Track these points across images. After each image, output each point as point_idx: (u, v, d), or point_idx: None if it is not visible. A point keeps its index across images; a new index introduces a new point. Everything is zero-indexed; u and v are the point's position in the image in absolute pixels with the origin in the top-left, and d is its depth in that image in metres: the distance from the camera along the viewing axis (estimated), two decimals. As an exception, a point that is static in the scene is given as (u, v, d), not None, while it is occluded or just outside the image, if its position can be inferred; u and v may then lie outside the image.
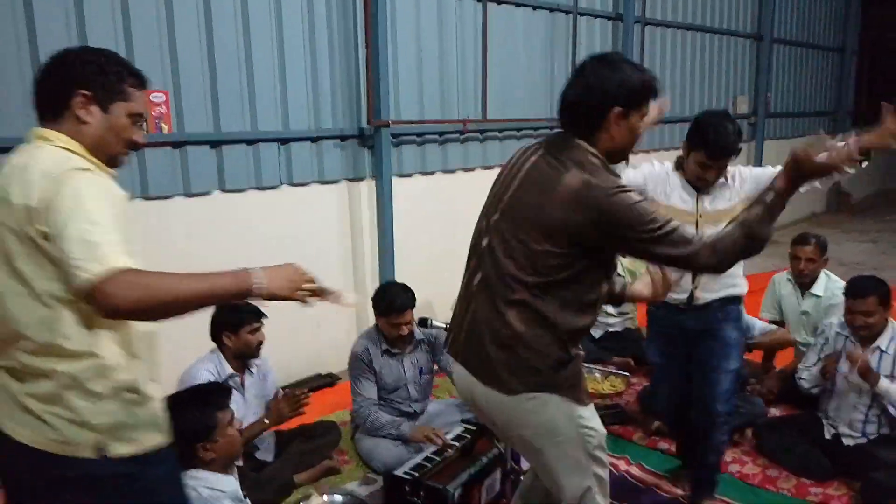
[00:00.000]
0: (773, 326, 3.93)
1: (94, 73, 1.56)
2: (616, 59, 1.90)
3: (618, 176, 1.85)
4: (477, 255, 1.95)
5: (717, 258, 1.79)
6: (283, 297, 1.63)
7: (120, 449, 1.52)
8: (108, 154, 1.60)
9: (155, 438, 1.60)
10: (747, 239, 1.76)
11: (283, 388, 3.41)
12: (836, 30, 10.86)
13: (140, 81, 1.63)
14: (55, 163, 1.48)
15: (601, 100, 1.82)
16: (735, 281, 2.77)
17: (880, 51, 12.28)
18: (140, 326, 1.57)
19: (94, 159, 1.56)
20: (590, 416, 1.94)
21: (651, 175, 2.73)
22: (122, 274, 1.37)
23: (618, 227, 1.76)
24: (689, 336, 2.81)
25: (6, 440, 1.51)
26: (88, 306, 1.42)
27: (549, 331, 1.83)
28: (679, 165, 2.73)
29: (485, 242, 1.92)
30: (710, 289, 2.73)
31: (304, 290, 1.68)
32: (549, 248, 1.79)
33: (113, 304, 1.37)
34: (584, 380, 1.99)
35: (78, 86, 1.54)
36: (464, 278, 2.01)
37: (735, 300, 2.81)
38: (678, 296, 2.73)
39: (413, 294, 3.32)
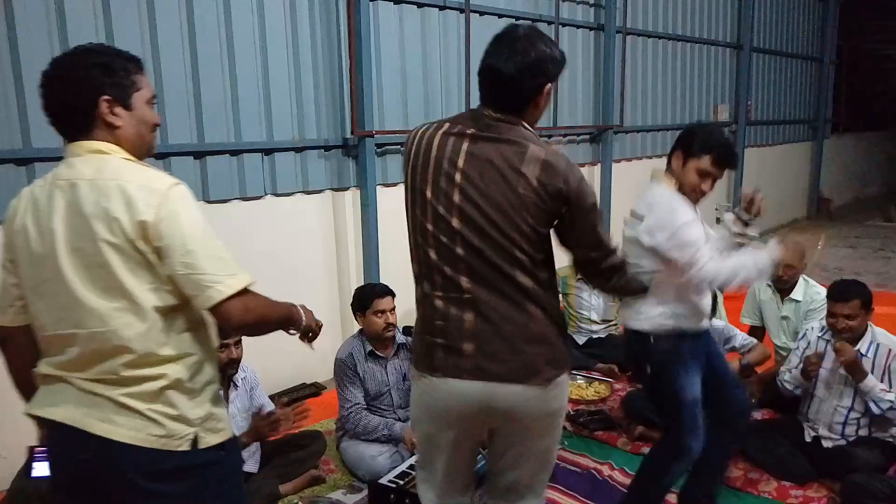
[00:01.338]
0: (753, 340, 3.95)
1: (104, 75, 1.56)
2: (538, 31, 1.86)
3: None
4: (448, 263, 1.82)
5: (617, 281, 2.06)
6: (304, 334, 1.81)
7: (210, 439, 1.61)
8: (145, 146, 1.64)
9: (230, 428, 1.70)
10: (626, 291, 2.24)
11: (270, 395, 3.40)
12: (814, 39, 11.04)
13: (140, 65, 1.64)
14: (146, 177, 1.53)
15: (544, 76, 1.81)
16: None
17: (858, 59, 12.51)
18: (210, 325, 1.66)
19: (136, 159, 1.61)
20: None
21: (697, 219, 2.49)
22: (248, 291, 1.56)
23: (579, 196, 1.81)
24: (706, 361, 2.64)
25: (91, 441, 1.52)
26: (209, 315, 1.57)
27: (554, 312, 1.90)
28: (678, 187, 2.50)
29: (459, 250, 1.80)
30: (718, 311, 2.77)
31: (316, 333, 1.84)
32: (534, 226, 1.80)
33: (239, 317, 1.54)
34: None
35: (97, 94, 1.55)
36: (433, 292, 1.86)
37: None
38: (705, 322, 2.60)
39: (391, 289, 3.37)
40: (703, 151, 2.43)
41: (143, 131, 1.63)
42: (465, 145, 1.80)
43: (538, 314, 1.84)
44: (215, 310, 1.53)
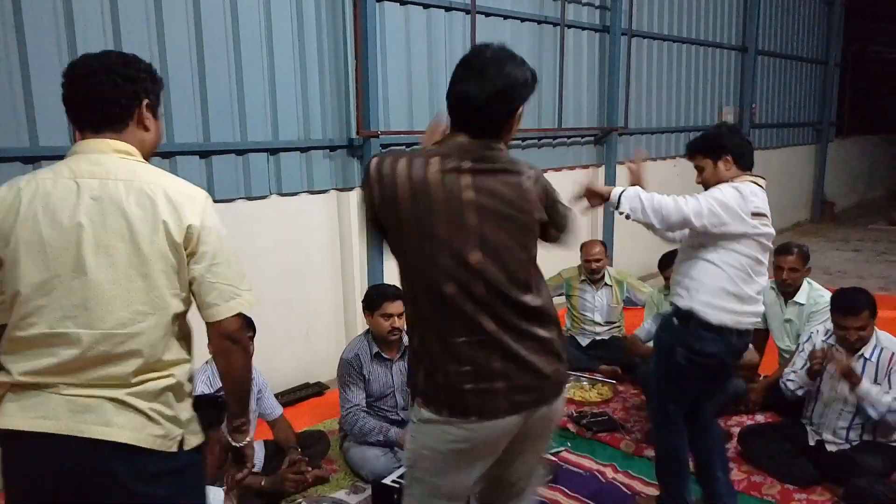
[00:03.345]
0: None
1: (150, 81, 1.65)
2: (507, 53, 1.80)
3: None
4: (468, 302, 1.74)
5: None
6: (232, 430, 1.87)
7: (192, 440, 1.66)
8: (150, 156, 1.70)
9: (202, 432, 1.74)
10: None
11: (275, 395, 3.41)
12: (819, 42, 11.03)
13: (162, 83, 1.73)
14: (181, 184, 1.62)
15: (515, 101, 1.79)
16: (679, 290, 2.69)
17: (863, 63, 12.49)
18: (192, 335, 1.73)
19: None
20: None
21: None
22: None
23: (555, 201, 1.90)
24: None
25: (82, 448, 1.50)
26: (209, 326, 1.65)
27: (556, 320, 1.92)
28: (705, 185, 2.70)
29: (477, 289, 1.73)
30: (671, 290, 2.80)
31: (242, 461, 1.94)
32: (535, 243, 1.86)
33: (238, 333, 1.65)
34: None
35: (143, 95, 1.63)
36: (450, 337, 1.76)
37: (676, 312, 2.70)
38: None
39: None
40: (735, 149, 2.67)
41: (158, 142, 1.72)
42: (467, 181, 1.74)
43: (551, 331, 1.86)
44: (223, 321, 1.62)
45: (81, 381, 1.51)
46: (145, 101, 1.62)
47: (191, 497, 1.68)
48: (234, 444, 1.83)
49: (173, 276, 1.57)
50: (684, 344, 2.65)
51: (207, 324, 1.64)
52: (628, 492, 3.20)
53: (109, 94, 1.57)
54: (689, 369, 2.67)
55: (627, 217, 2.55)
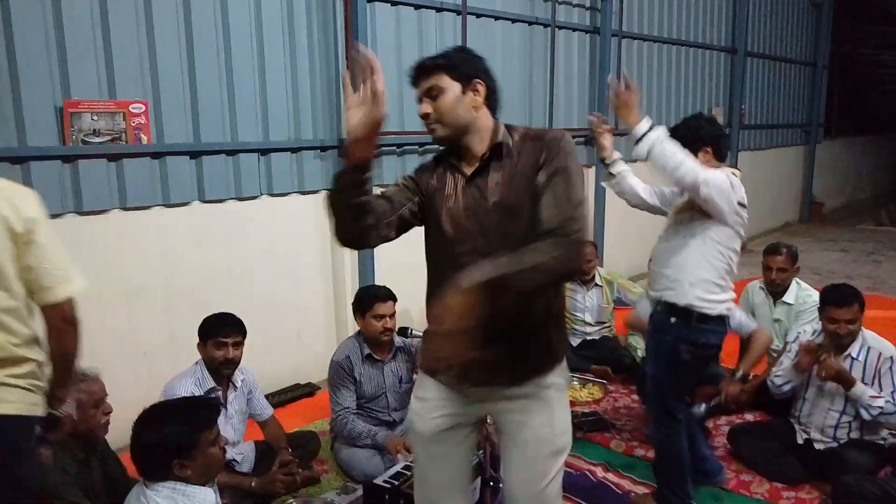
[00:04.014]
0: (752, 324, 3.86)
1: None
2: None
3: None
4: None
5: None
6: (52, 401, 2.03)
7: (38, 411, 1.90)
8: None
9: None
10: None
11: (265, 396, 3.40)
12: (808, 44, 11.10)
13: None
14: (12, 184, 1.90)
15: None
16: (671, 284, 2.71)
17: (851, 65, 12.58)
18: None
19: None
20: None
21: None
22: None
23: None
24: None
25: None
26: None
27: None
28: None
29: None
30: (653, 285, 2.81)
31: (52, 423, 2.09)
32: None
33: (73, 312, 1.92)
34: None
35: None
36: None
37: (671, 310, 2.71)
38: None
39: (393, 294, 3.36)
40: (712, 141, 2.74)
41: None
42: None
43: None
44: (60, 303, 1.85)
45: None
46: None
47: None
48: (51, 410, 1.97)
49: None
50: (688, 340, 2.68)
51: (42, 306, 1.86)
52: (619, 491, 3.21)
53: None
54: (692, 363, 2.72)
55: (641, 151, 2.53)
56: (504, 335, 1.76)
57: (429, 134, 1.87)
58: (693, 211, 2.70)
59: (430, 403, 1.94)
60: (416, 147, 5.19)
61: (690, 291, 2.65)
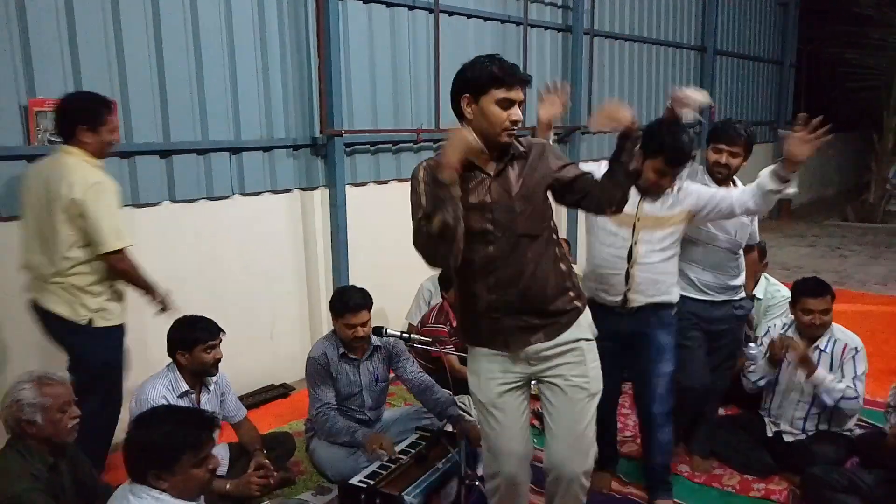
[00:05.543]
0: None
1: None
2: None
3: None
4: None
5: None
6: None
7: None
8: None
9: None
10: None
11: (239, 397, 3.37)
12: (775, 43, 11.30)
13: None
14: None
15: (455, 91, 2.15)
16: (668, 289, 2.87)
17: (817, 63, 12.81)
18: None
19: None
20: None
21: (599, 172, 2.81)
22: None
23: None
24: (623, 341, 2.85)
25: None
26: None
27: None
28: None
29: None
30: (644, 293, 2.81)
31: None
32: None
33: None
34: None
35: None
36: None
37: (667, 306, 2.88)
38: (612, 297, 2.83)
39: (370, 297, 3.33)
40: (656, 152, 2.70)
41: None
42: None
43: None
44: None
45: None
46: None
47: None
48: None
49: None
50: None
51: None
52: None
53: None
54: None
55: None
56: (532, 306, 2.18)
57: (509, 138, 2.12)
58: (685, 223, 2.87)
59: (482, 377, 2.32)
60: (412, 144, 5.24)
61: (674, 290, 2.93)
